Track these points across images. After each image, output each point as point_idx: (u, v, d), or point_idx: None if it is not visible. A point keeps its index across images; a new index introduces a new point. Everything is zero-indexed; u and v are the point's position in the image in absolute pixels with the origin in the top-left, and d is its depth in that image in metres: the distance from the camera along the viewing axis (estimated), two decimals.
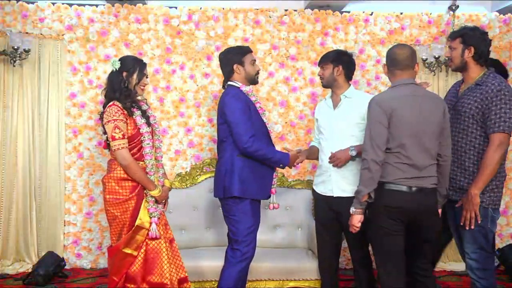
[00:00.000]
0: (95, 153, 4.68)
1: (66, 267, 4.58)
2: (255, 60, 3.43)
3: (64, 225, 4.69)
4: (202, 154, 4.73)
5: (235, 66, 3.35)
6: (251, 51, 3.44)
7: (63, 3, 4.64)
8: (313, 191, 3.55)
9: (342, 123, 3.34)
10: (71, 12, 4.64)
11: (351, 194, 3.09)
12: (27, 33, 4.56)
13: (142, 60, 3.29)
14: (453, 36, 3.19)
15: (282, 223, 4.28)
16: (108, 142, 3.16)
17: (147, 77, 3.28)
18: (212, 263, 3.79)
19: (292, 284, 3.86)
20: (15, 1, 4.58)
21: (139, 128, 3.15)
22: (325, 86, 3.49)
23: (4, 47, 4.51)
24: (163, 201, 3.28)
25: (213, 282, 3.80)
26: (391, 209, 2.84)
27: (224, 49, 3.47)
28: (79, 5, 4.64)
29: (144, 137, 3.15)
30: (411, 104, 2.85)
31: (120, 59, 3.21)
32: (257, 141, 3.20)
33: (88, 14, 4.64)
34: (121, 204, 3.12)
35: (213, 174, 4.34)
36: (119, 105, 3.11)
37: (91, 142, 4.67)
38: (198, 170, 4.41)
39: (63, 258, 4.54)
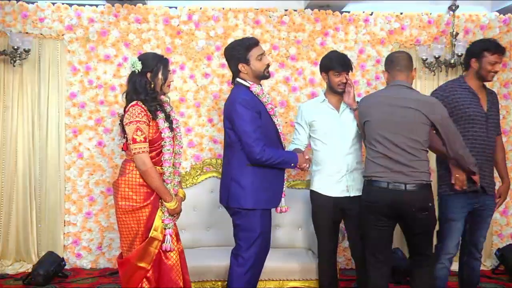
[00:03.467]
0: (95, 153, 4.68)
1: (66, 267, 4.58)
2: (263, 53, 3.15)
3: (64, 225, 4.69)
4: (202, 154, 4.73)
5: (240, 66, 3.11)
6: (257, 44, 3.14)
7: (63, 3, 4.65)
8: (316, 195, 3.46)
9: (349, 128, 3.38)
10: (71, 12, 4.64)
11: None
12: (27, 33, 4.56)
13: (163, 56, 3.09)
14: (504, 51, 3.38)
15: (282, 223, 4.28)
16: (128, 143, 2.98)
17: (171, 73, 3.08)
18: (212, 263, 3.79)
19: (292, 284, 3.86)
20: (15, 1, 4.58)
21: (161, 132, 2.97)
22: None
23: (4, 47, 4.52)
24: (175, 214, 3.08)
25: (213, 282, 3.79)
26: (371, 204, 3.09)
27: (229, 43, 3.25)
28: (79, 5, 4.64)
29: (165, 142, 2.98)
30: (388, 104, 3.03)
31: (140, 59, 3.01)
32: (267, 150, 3.04)
33: (88, 14, 4.64)
34: (134, 212, 2.94)
35: (213, 174, 4.36)
36: (143, 106, 2.94)
37: (91, 142, 4.67)
38: (198, 170, 4.40)
39: (63, 258, 4.54)
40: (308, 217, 4.33)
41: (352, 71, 3.47)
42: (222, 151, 3.36)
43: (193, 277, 3.77)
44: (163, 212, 3.01)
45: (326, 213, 3.42)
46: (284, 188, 3.30)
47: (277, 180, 3.22)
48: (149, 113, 2.94)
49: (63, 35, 4.63)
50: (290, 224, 4.29)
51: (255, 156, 3.03)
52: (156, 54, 3.12)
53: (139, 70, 2.96)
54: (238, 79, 3.19)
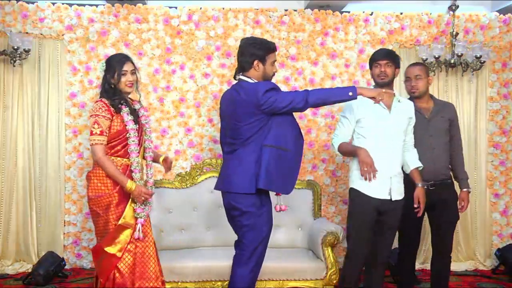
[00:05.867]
0: None
1: (66, 267, 4.58)
2: (276, 61, 3.23)
3: (64, 225, 4.69)
4: (202, 154, 4.73)
5: (255, 62, 3.12)
6: (275, 50, 3.22)
7: (63, 3, 4.65)
8: (358, 194, 3.29)
9: (396, 127, 3.31)
10: (71, 12, 4.64)
11: (402, 197, 3.34)
12: (27, 33, 4.56)
13: (124, 57, 3.21)
14: None
15: (282, 223, 4.28)
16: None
17: (134, 72, 3.19)
18: (212, 263, 3.79)
19: (292, 284, 3.86)
20: (15, 1, 4.58)
21: (126, 125, 3.14)
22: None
23: (4, 47, 4.51)
24: (141, 198, 3.12)
25: (213, 282, 3.79)
26: None
27: (250, 37, 3.31)
28: (79, 5, 4.64)
29: (129, 134, 3.14)
30: None
31: (106, 61, 3.24)
32: (309, 92, 3.03)
33: (88, 14, 4.64)
34: (102, 201, 3.10)
35: (213, 174, 4.35)
36: (106, 101, 3.13)
37: None
38: (198, 170, 4.41)
39: (63, 258, 4.54)
40: (308, 217, 4.34)
41: (397, 66, 3.35)
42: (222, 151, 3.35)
43: (193, 277, 3.78)
44: (135, 202, 3.14)
45: (367, 214, 3.27)
46: None
47: (293, 168, 3.13)
48: (112, 108, 3.12)
49: (63, 35, 4.63)
50: (290, 224, 4.29)
51: (300, 104, 3.02)
52: (117, 56, 3.28)
53: (103, 71, 3.20)
54: (243, 76, 3.17)
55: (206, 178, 4.36)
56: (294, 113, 3.19)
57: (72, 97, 4.66)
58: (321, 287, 3.85)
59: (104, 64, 3.21)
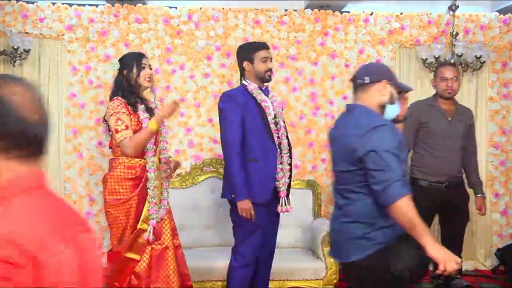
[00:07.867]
0: (95, 153, 4.68)
1: None
2: (268, 58, 3.30)
3: None
4: (202, 154, 4.73)
5: (244, 63, 3.28)
6: (265, 48, 3.32)
7: (63, 3, 4.64)
8: None
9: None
10: (71, 12, 4.63)
11: None
12: (27, 33, 4.56)
13: (139, 53, 3.25)
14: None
15: (282, 223, 4.24)
16: (111, 139, 3.12)
17: (151, 68, 3.18)
18: (212, 263, 3.79)
19: (292, 284, 3.86)
20: (15, 1, 4.58)
21: (142, 123, 3.06)
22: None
23: (4, 47, 4.51)
24: (170, 112, 3.11)
25: (213, 282, 3.79)
26: None
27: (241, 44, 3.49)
28: (79, 5, 4.64)
29: None
30: None
31: (120, 59, 3.19)
32: (237, 157, 3.14)
33: (88, 14, 4.64)
34: (122, 204, 3.01)
35: (213, 174, 4.36)
36: (122, 100, 3.06)
37: (91, 142, 4.67)
38: (198, 170, 4.40)
39: None
40: (308, 217, 4.33)
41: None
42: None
43: (193, 277, 3.76)
44: (149, 203, 3.07)
45: None
46: (282, 188, 3.32)
47: (262, 176, 3.25)
48: (129, 106, 3.05)
49: (63, 35, 4.63)
50: (290, 224, 4.29)
51: (223, 148, 3.30)
52: (134, 52, 3.30)
53: (118, 70, 3.14)
54: (242, 80, 3.32)
55: (206, 178, 4.36)
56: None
57: (72, 97, 4.65)
58: (321, 287, 3.85)
59: (117, 63, 3.15)
